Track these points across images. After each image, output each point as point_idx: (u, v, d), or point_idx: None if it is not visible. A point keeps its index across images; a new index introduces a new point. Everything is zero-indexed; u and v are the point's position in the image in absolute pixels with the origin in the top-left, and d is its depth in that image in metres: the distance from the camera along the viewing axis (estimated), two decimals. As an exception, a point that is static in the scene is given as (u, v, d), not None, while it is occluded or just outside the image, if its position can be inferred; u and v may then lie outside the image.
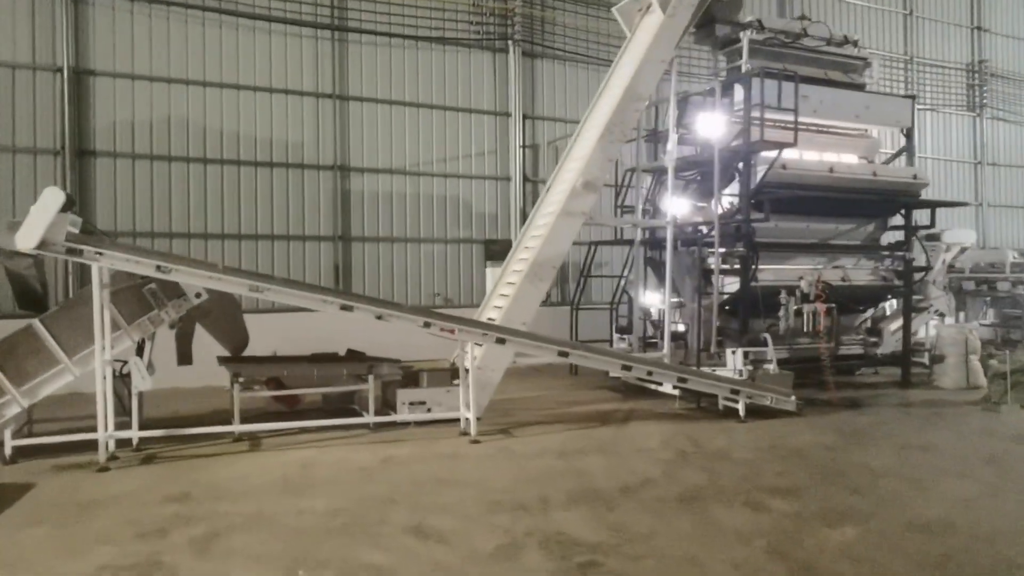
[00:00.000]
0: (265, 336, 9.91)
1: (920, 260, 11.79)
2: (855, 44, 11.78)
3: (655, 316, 12.01)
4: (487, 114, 14.23)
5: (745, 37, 10.88)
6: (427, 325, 7.77)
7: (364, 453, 7.42)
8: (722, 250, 10.59)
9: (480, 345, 8.35)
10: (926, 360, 12.24)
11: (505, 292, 9.56)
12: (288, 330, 10.16)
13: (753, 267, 10.36)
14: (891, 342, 12.26)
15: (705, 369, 9.94)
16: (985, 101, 20.25)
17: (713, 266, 10.17)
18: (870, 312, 12.55)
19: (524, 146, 14.46)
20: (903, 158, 12.12)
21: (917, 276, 11.99)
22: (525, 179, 14.52)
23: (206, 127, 12.02)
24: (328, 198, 12.88)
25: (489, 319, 9.49)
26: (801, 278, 10.86)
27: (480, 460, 7.20)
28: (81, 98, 11.25)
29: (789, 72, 10.23)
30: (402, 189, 13.49)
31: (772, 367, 9.55)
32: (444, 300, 13.82)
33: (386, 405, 8.96)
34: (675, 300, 11.69)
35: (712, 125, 10.70)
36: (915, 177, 11.34)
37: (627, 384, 10.59)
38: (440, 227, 13.78)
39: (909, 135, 11.75)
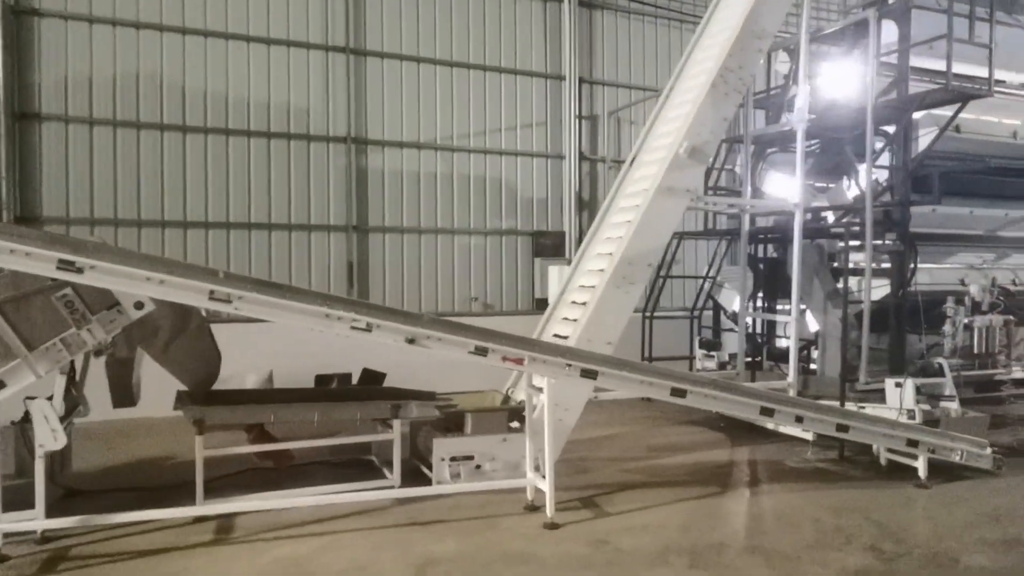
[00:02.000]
0: (250, 350, 7.38)
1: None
2: (1027, -27, 9.03)
3: (760, 329, 9.34)
4: (536, 76, 11.57)
5: (894, -42, 8.16)
6: (481, 352, 5.14)
7: (388, 551, 4.80)
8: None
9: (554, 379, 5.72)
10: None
11: (580, 299, 6.91)
12: (283, 340, 7.59)
13: (912, 266, 7.65)
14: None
15: (853, 407, 7.26)
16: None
17: (864, 264, 7.44)
18: None
19: (580, 117, 11.78)
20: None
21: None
22: (581, 157, 11.84)
23: (185, 86, 9.46)
24: (340, 178, 10.28)
25: (557, 336, 6.86)
26: (964, 280, 8.15)
27: (569, 566, 4.56)
28: (22, 46, 8.73)
29: None
30: (431, 168, 10.86)
31: (955, 406, 6.82)
32: (483, 306, 11.18)
33: (415, 456, 6.39)
34: (782, 307, 9.05)
35: (852, 74, 7.97)
36: (1116, 147, 8.55)
37: (725, 415, 7.92)
38: (478, 215, 11.14)
39: (1099, 93, 8.97)
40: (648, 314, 9.91)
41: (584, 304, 6.75)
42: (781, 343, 9.53)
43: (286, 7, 9.95)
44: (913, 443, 6.32)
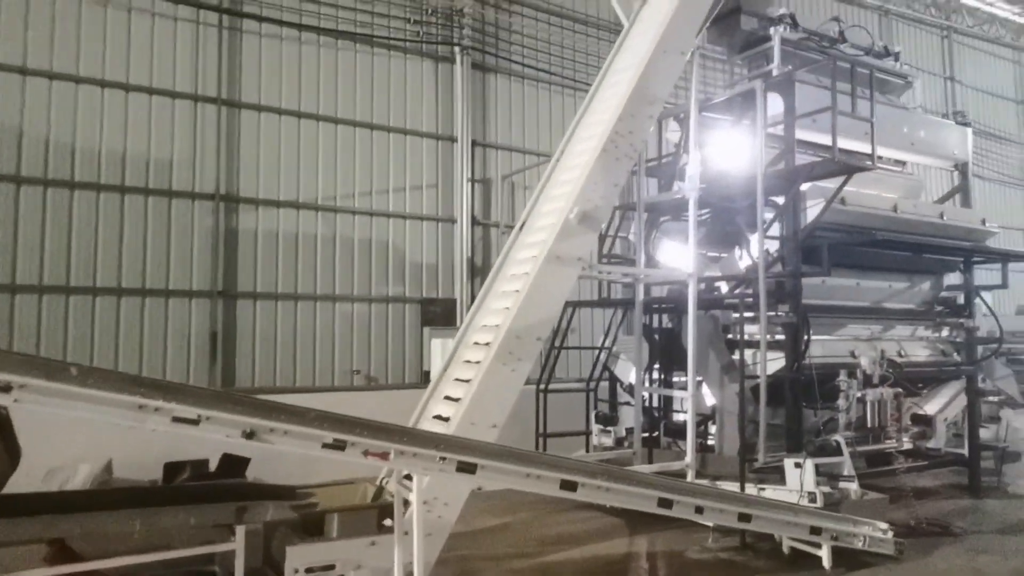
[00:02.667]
0: (84, 431, 6.26)
1: (983, 327, 9.25)
2: (896, 58, 9.43)
3: (656, 403, 8.93)
4: (427, 137, 11.11)
5: (777, 34, 8.29)
6: (338, 446, 4.34)
7: None
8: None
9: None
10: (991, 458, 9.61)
11: (464, 376, 6.23)
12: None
13: (806, 338, 7.47)
14: (942, 434, 9.58)
15: (754, 489, 6.87)
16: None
17: (759, 336, 7.18)
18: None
19: (473, 180, 11.36)
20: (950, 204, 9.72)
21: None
22: (474, 221, 11.37)
23: (23, 131, 8.35)
24: (205, 238, 9.31)
25: (438, 418, 6.14)
26: (854, 353, 8.07)
27: None
28: None
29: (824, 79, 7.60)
30: (311, 229, 10.05)
31: (855, 487, 6.53)
32: (366, 379, 10.29)
33: (270, 565, 5.41)
34: (678, 380, 8.72)
35: (741, 144, 7.93)
36: (984, 222, 8.85)
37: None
38: (362, 281, 10.36)
39: (964, 171, 9.36)
40: (542, 387, 9.35)
41: (468, 382, 6.08)
42: (678, 417, 9.16)
43: (149, 51, 9.09)
44: (816, 530, 5.94)
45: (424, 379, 10.71)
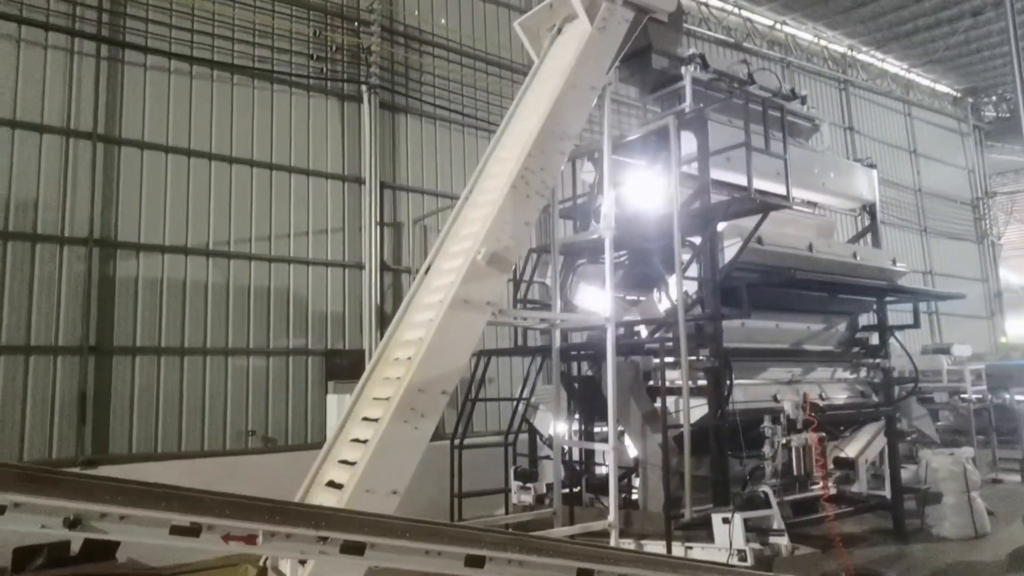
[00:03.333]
0: None
1: (897, 368, 9.22)
2: (803, 101, 9.52)
3: (576, 456, 8.41)
4: (332, 178, 10.48)
5: (688, 73, 8.18)
6: (192, 532, 3.59)
7: None
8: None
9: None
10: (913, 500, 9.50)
11: (361, 436, 5.53)
12: None
13: (728, 383, 7.14)
14: (865, 477, 9.43)
15: (681, 548, 6.39)
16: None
17: (680, 381, 6.78)
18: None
19: (382, 223, 10.76)
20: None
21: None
22: (383, 267, 10.73)
23: None
24: (75, 287, 8.32)
25: (331, 484, 5.39)
26: (776, 397, 7.82)
27: None
28: None
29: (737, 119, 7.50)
30: (200, 276, 9.18)
31: (785, 541, 6.13)
32: (263, 441, 9.36)
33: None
34: (600, 431, 8.28)
35: (656, 183, 7.69)
36: (894, 262, 8.88)
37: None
38: (259, 332, 9.50)
39: (873, 212, 9.44)
40: (457, 442, 8.69)
41: (365, 442, 5.39)
42: (601, 471, 8.65)
43: (14, 81, 8.19)
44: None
45: (329, 438, 9.86)
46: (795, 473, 7.36)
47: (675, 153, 6.90)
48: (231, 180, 9.53)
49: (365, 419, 5.75)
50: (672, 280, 7.74)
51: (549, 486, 8.16)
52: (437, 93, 11.57)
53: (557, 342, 7.67)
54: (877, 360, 9.06)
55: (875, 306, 9.14)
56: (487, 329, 10.68)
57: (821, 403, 8.19)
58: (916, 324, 9.10)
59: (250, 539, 3.74)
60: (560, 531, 6.59)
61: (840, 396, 8.75)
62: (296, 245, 9.95)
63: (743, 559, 5.89)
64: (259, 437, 9.31)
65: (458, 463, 8.67)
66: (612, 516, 6.64)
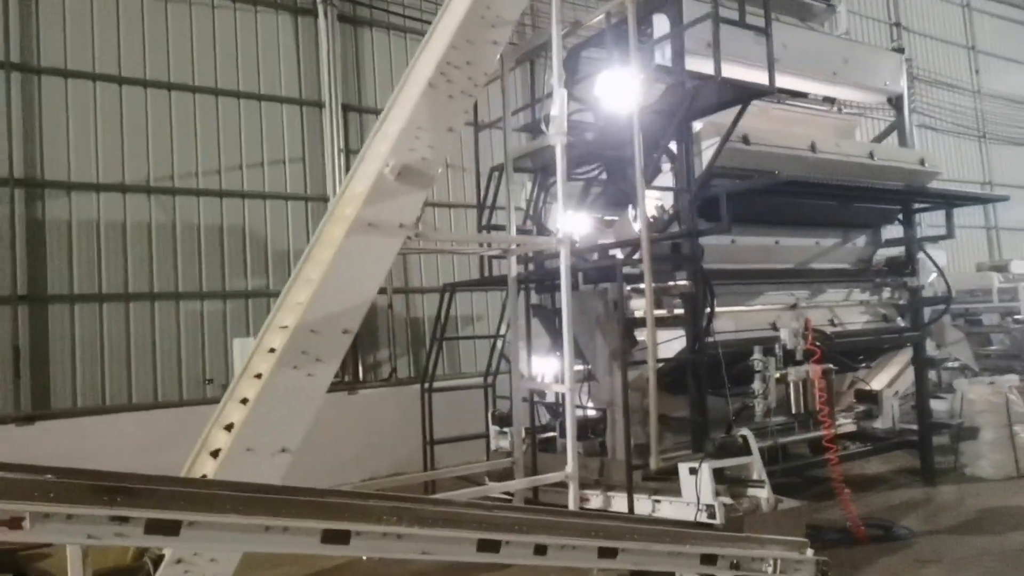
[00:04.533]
0: None
1: (925, 286, 7.94)
2: (815, -24, 8.05)
3: (550, 397, 7.55)
4: (287, 103, 9.54)
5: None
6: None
7: None
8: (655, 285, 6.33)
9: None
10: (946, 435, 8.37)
11: (246, 394, 4.75)
12: None
13: (708, 310, 6.09)
14: (891, 410, 8.32)
15: (647, 502, 5.53)
16: (913, 107, 17.49)
17: (645, 312, 5.77)
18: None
19: (347, 150, 9.82)
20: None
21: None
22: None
23: None
24: (2, 232, 7.71)
25: (215, 452, 4.65)
26: (775, 324, 6.73)
27: None
28: None
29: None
30: (142, 216, 8.46)
31: (766, 494, 5.17)
32: (223, 390, 8.74)
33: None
34: (581, 368, 7.34)
35: (626, 85, 6.48)
36: (923, 163, 7.50)
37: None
38: (212, 274, 8.80)
39: (899, 105, 8.01)
40: (426, 386, 7.93)
41: (246, 402, 4.60)
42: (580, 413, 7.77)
43: (-88, 8, 7.44)
44: (710, 559, 4.56)
45: (297, 384, 9.22)
46: (794, 412, 6.34)
47: (632, 35, 5.68)
48: (171, 109, 8.68)
49: (256, 376, 4.95)
50: (649, 194, 6.63)
51: (528, 430, 7.36)
52: (406, 1, 10.39)
53: (514, 271, 6.71)
54: (903, 278, 7.80)
55: (901, 216, 7.84)
56: (460, 261, 9.79)
57: (830, 329, 7.07)
58: (950, 234, 7.76)
59: (14, 523, 3.00)
60: (508, 484, 5.78)
61: (857, 321, 7.58)
62: (250, 178, 9.12)
63: (711, 516, 4.99)
64: (218, 386, 8.72)
65: (428, 408, 7.93)
66: (570, 466, 5.79)
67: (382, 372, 9.80)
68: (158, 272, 8.44)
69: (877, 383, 9.23)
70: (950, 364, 8.85)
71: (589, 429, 6.71)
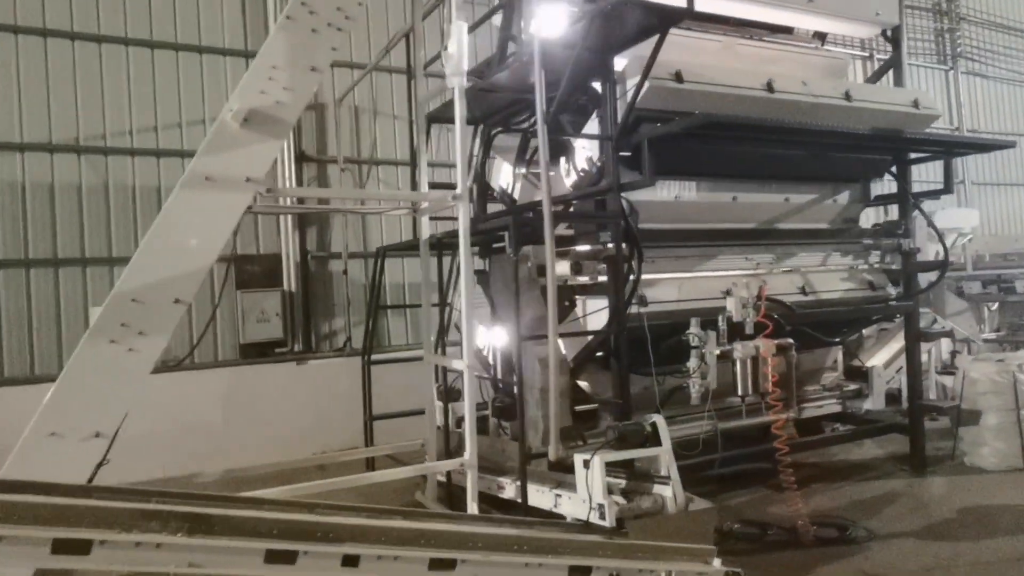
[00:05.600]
0: None
1: (926, 249, 6.88)
2: None
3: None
4: (231, 55, 8.95)
5: None
6: None
7: None
8: (579, 248, 5.57)
9: None
10: (947, 418, 7.39)
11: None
12: None
13: (632, 277, 5.28)
14: (884, 388, 7.38)
15: (550, 494, 4.87)
16: (959, 51, 15.83)
17: (547, 279, 5.02)
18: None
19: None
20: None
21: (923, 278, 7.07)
22: (302, 158, 9.25)
23: None
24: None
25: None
26: (729, 293, 5.85)
27: None
28: None
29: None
30: (71, 178, 8.05)
31: (671, 493, 4.41)
32: (162, 358, 8.38)
33: None
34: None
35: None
36: (916, 104, 6.41)
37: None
38: (151, 238, 8.35)
39: (896, 40, 6.88)
40: (367, 358, 7.38)
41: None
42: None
43: None
44: (582, 572, 3.87)
45: (242, 353, 8.81)
46: (740, 394, 5.52)
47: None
48: (101, 63, 8.19)
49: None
50: (579, 145, 5.83)
51: (446, 409, 6.75)
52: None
53: (425, 232, 6.02)
54: (898, 240, 6.78)
55: (895, 168, 6.80)
56: (373, 214, 8.97)
57: (800, 299, 6.18)
58: (947, 188, 6.68)
59: None
60: (390, 472, 5.16)
61: (837, 289, 6.63)
62: (190, 136, 8.59)
63: (601, 516, 4.28)
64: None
65: (367, 380, 7.39)
66: (468, 453, 5.12)
67: (337, 341, 9.29)
68: (90, 237, 8.05)
69: (877, 359, 8.27)
70: (955, 336, 7.79)
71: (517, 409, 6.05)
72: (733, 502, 6.10)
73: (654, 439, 4.53)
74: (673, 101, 5.23)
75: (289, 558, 3.33)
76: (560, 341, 6.08)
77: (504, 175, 7.07)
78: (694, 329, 5.33)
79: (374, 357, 7.29)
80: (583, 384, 6.15)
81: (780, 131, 5.44)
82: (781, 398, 5.41)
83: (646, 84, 4.99)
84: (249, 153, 4.34)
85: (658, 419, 4.60)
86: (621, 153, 5.37)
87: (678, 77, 5.17)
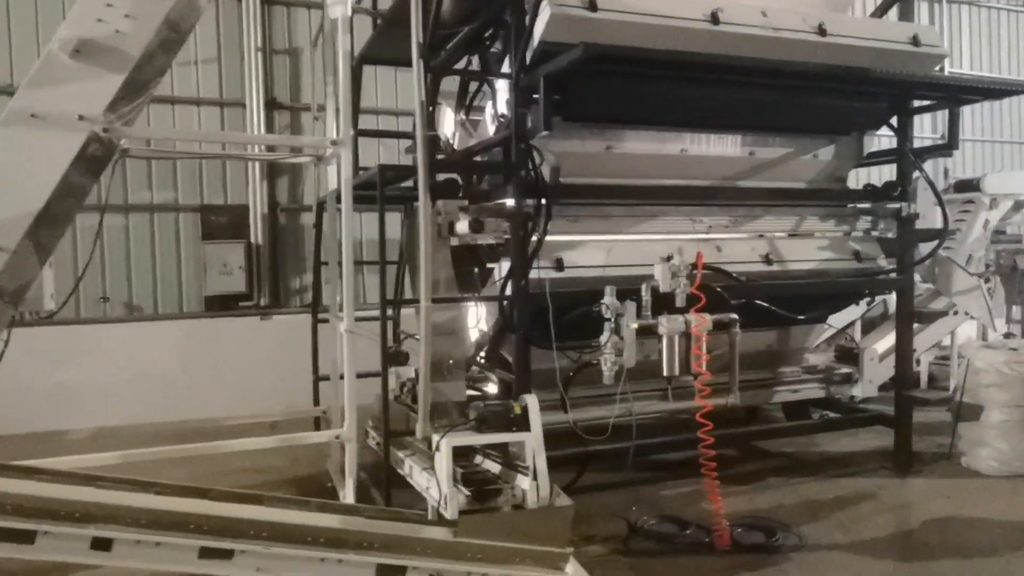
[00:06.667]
0: None
1: (928, 215, 5.86)
2: None
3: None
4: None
5: None
6: None
7: None
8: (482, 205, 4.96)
9: None
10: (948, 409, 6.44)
11: None
12: None
13: (535, 237, 4.64)
14: (881, 374, 6.45)
15: (424, 480, 4.41)
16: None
17: (422, 241, 4.45)
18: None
19: (269, 49, 8.79)
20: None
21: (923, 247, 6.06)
22: (272, 105, 8.87)
23: None
24: None
25: None
26: (671, 258, 5.11)
27: None
28: None
29: None
30: (31, 121, 7.91)
31: (531, 486, 3.83)
32: (125, 308, 8.33)
33: None
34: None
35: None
36: (916, 41, 5.36)
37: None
38: (115, 186, 8.18)
39: (903, -37, 5.79)
40: (315, 316, 7.07)
41: None
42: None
43: None
44: (394, 572, 3.39)
45: (207, 306, 8.64)
46: (666, 374, 4.83)
47: None
48: (64, 3, 7.98)
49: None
50: (500, 85, 5.17)
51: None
52: None
53: (331, 183, 5.53)
54: (896, 204, 5.81)
55: (895, 119, 5.78)
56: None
57: (762, 268, 5.38)
58: (950, 144, 5.62)
59: None
60: (253, 442, 4.77)
61: (813, 259, 5.76)
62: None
63: (445, 503, 3.77)
64: (120, 304, 8.27)
65: (314, 339, 7.07)
66: (346, 424, 4.70)
67: (307, 297, 8.98)
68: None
69: (882, 342, 7.33)
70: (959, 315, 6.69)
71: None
72: (672, 492, 5.48)
73: (523, 423, 3.95)
74: (589, 33, 4.47)
75: (27, 537, 3.02)
76: (484, 308, 5.57)
77: (448, 122, 6.48)
78: (608, 299, 4.65)
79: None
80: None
81: (692, 66, 4.60)
82: (710, 383, 4.69)
83: (546, 11, 4.27)
84: (82, 88, 3.91)
85: (530, 400, 4.00)
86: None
87: (592, 6, 4.41)
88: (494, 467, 4.03)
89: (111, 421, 7.21)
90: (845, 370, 6.56)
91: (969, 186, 8.09)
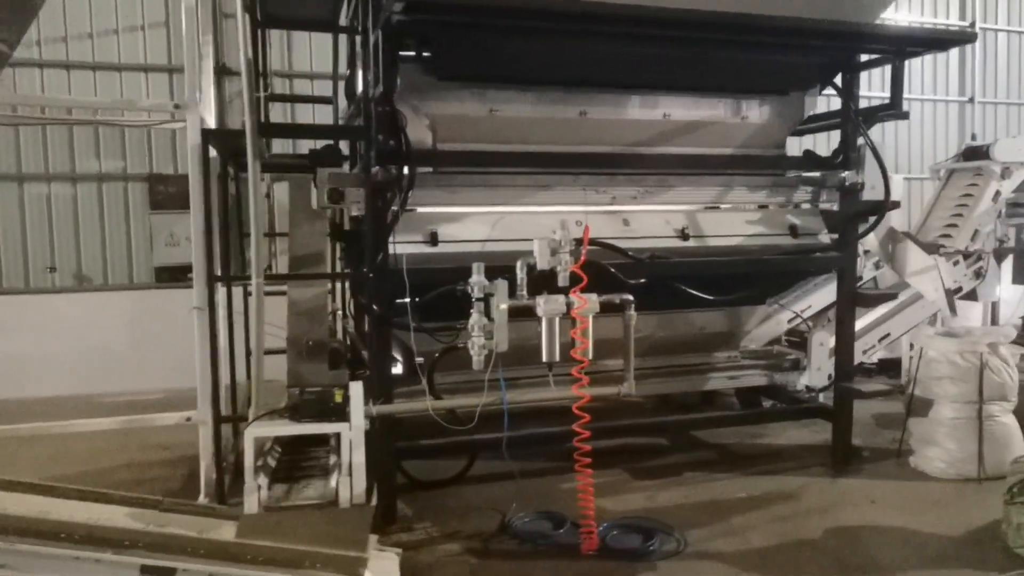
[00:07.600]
0: None
1: (874, 185, 5.18)
2: None
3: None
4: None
5: None
6: None
7: None
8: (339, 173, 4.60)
9: None
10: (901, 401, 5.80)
11: None
12: None
13: (393, 208, 4.25)
14: (827, 364, 5.85)
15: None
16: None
17: (252, 212, 4.11)
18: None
19: (219, 12, 8.50)
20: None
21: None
22: (224, 71, 8.62)
23: None
24: None
25: None
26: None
27: None
28: None
29: None
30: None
31: (338, 482, 3.49)
32: (75, 279, 8.31)
33: None
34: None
35: None
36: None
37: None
38: (60, 155, 8.17)
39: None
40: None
41: None
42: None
43: None
44: (162, 572, 3.13)
45: (156, 276, 8.55)
46: (546, 359, 4.40)
47: None
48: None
49: None
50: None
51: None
52: None
53: (194, 147, 5.19)
54: (840, 172, 5.18)
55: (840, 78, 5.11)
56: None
57: (677, 244, 4.87)
58: (895, 105, 4.92)
59: None
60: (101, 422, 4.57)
61: (739, 234, 5.20)
62: (101, 47, 8.19)
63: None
64: (68, 275, 8.25)
65: (245, 312, 6.85)
66: (200, 406, 4.48)
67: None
68: (-2, 152, 7.95)
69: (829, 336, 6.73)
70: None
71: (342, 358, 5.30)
72: (571, 485, 5.07)
73: (342, 412, 3.61)
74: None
75: None
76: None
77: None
78: (475, 277, 4.24)
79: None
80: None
81: (560, 16, 4.04)
82: (588, 371, 4.25)
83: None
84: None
85: (354, 388, 3.66)
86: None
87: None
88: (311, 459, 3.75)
89: (60, 392, 7.22)
90: (792, 357, 6.02)
91: (978, 153, 7.27)
